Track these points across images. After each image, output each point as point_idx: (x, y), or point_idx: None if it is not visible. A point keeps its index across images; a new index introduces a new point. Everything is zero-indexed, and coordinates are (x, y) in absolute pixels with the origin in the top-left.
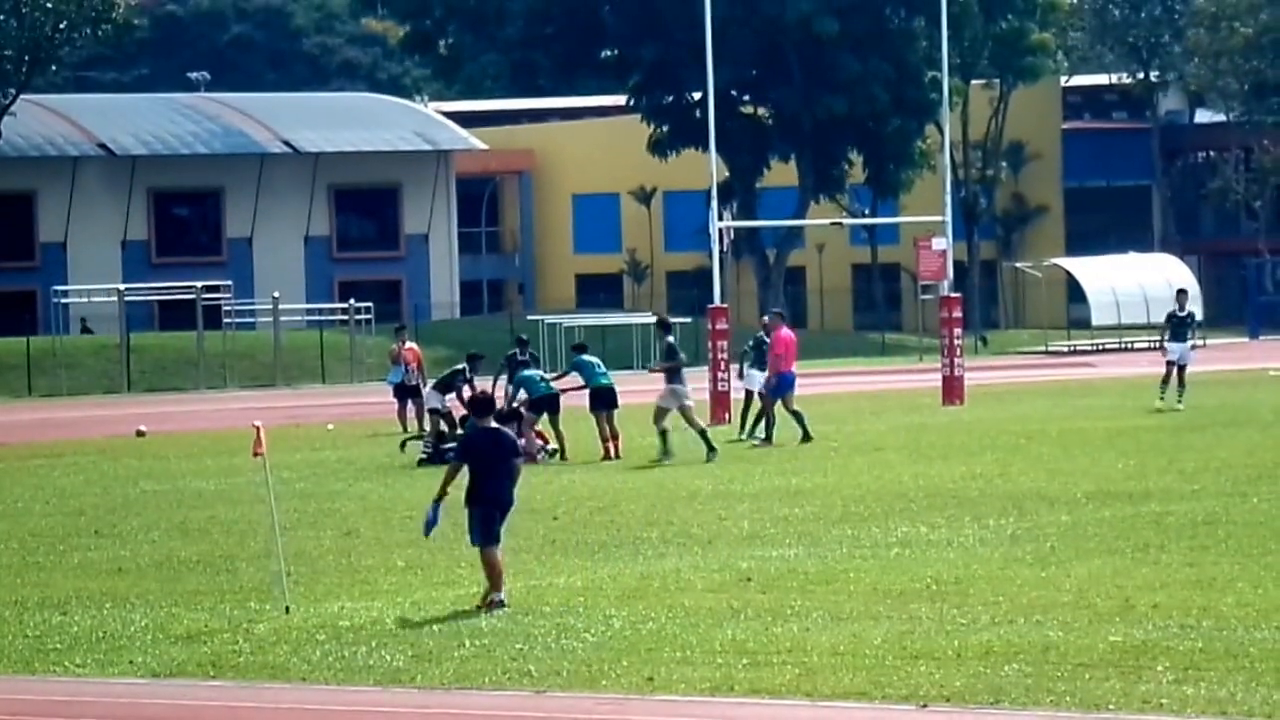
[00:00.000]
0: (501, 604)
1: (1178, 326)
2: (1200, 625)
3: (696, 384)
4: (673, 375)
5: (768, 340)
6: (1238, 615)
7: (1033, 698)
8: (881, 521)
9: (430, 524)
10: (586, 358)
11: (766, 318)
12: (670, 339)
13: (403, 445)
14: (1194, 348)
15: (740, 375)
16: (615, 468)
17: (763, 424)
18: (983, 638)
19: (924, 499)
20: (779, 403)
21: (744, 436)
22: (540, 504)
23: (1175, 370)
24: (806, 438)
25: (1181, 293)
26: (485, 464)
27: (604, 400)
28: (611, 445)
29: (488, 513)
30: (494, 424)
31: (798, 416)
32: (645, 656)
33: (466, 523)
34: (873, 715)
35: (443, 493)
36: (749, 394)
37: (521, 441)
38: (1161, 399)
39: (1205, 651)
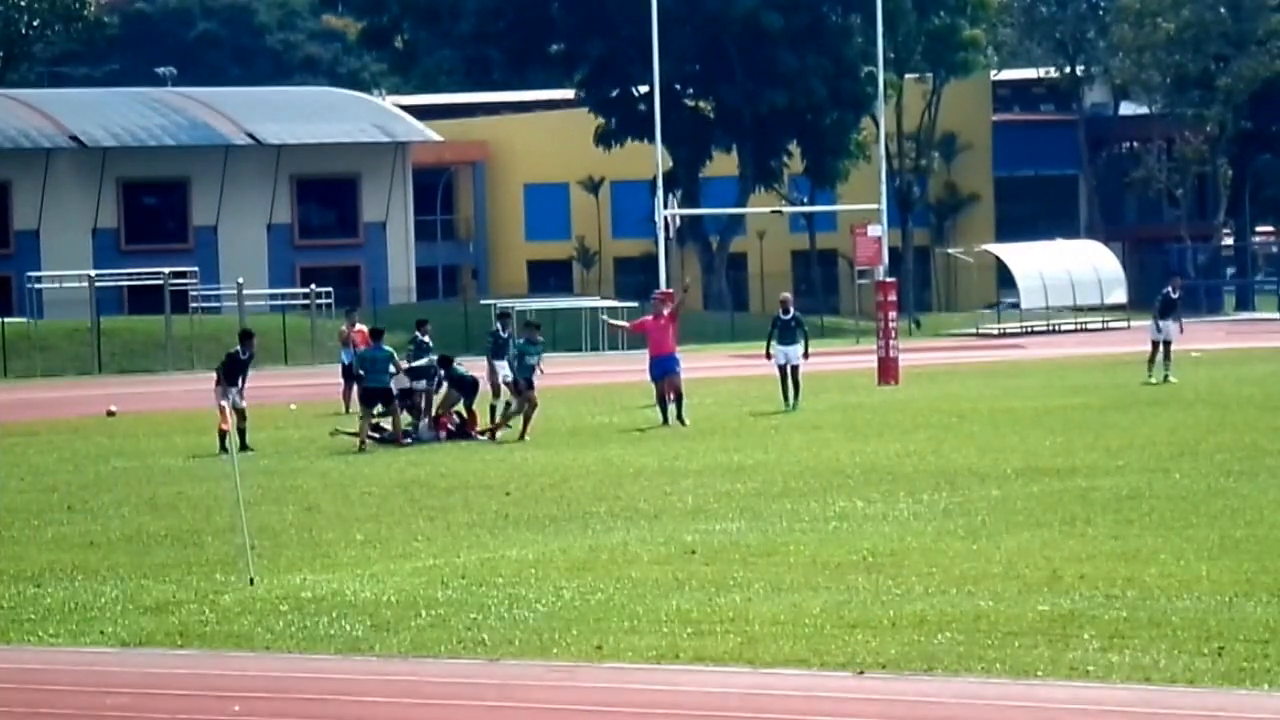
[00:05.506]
0: None
1: (1167, 308)
2: (1125, 595)
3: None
4: None
5: (782, 317)
6: (1160, 585)
7: (964, 665)
8: (820, 496)
9: None
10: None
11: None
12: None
13: (332, 433)
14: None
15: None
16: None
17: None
18: (916, 607)
19: (860, 475)
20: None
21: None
22: (493, 480)
23: (1163, 347)
24: (665, 421)
25: (1174, 275)
26: None
27: (468, 388)
28: (472, 424)
29: None
30: None
31: (663, 402)
32: (594, 626)
33: None
34: (812, 682)
35: None
36: (782, 369)
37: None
38: (1150, 376)
39: (1130, 620)
